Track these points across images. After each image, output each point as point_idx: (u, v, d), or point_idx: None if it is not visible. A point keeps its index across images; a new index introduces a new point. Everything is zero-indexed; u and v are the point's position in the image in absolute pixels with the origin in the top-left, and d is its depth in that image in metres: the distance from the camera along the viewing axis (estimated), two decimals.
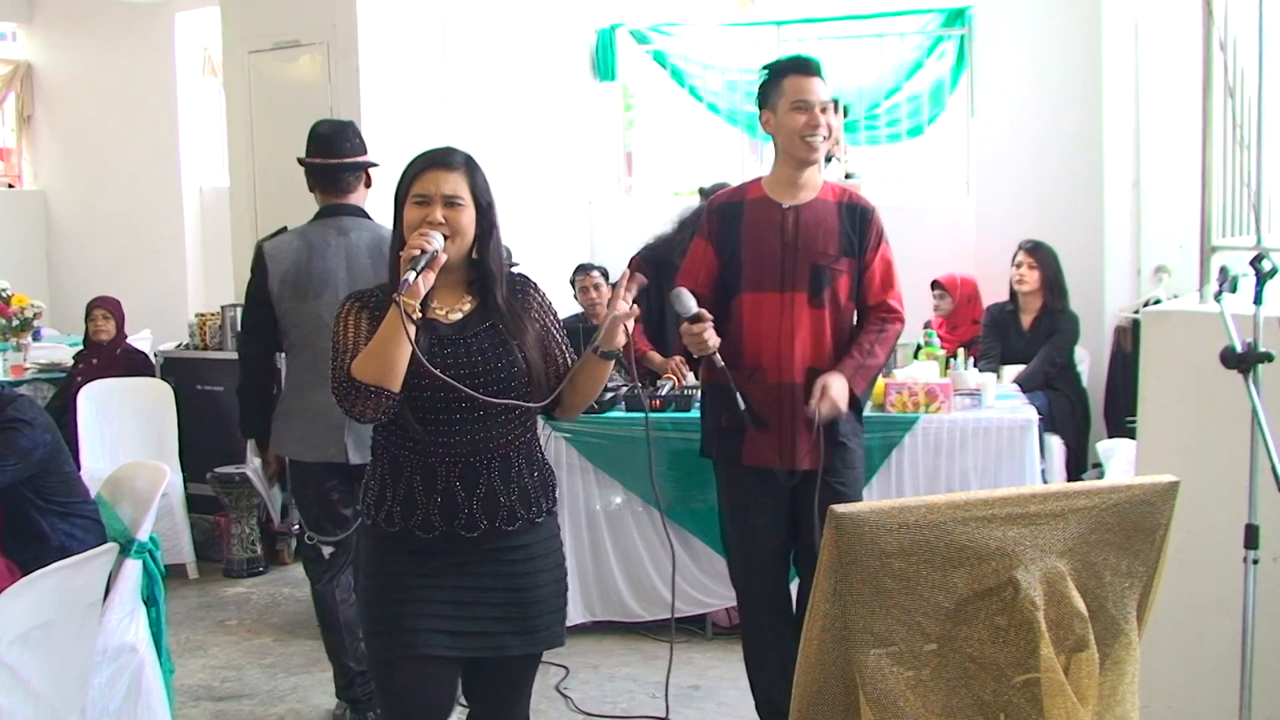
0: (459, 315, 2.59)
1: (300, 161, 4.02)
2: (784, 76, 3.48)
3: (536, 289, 2.72)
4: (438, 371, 2.41)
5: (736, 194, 3.64)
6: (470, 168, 2.58)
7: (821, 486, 3.42)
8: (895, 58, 7.33)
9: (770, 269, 3.47)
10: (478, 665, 2.65)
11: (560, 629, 2.68)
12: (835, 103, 3.59)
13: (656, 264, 5.13)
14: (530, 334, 2.62)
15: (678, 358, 4.99)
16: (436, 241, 2.45)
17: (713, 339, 3.35)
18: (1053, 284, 5.89)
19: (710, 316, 3.36)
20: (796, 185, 3.50)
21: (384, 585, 2.57)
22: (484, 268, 2.61)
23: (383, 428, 2.58)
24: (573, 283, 6.24)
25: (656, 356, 5.06)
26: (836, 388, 3.39)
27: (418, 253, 2.40)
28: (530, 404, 2.56)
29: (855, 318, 3.58)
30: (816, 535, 3.29)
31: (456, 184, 2.53)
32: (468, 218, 2.54)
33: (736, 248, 3.51)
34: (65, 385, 6.35)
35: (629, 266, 5.16)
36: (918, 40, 7.26)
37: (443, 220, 2.49)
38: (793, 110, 3.44)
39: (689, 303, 3.33)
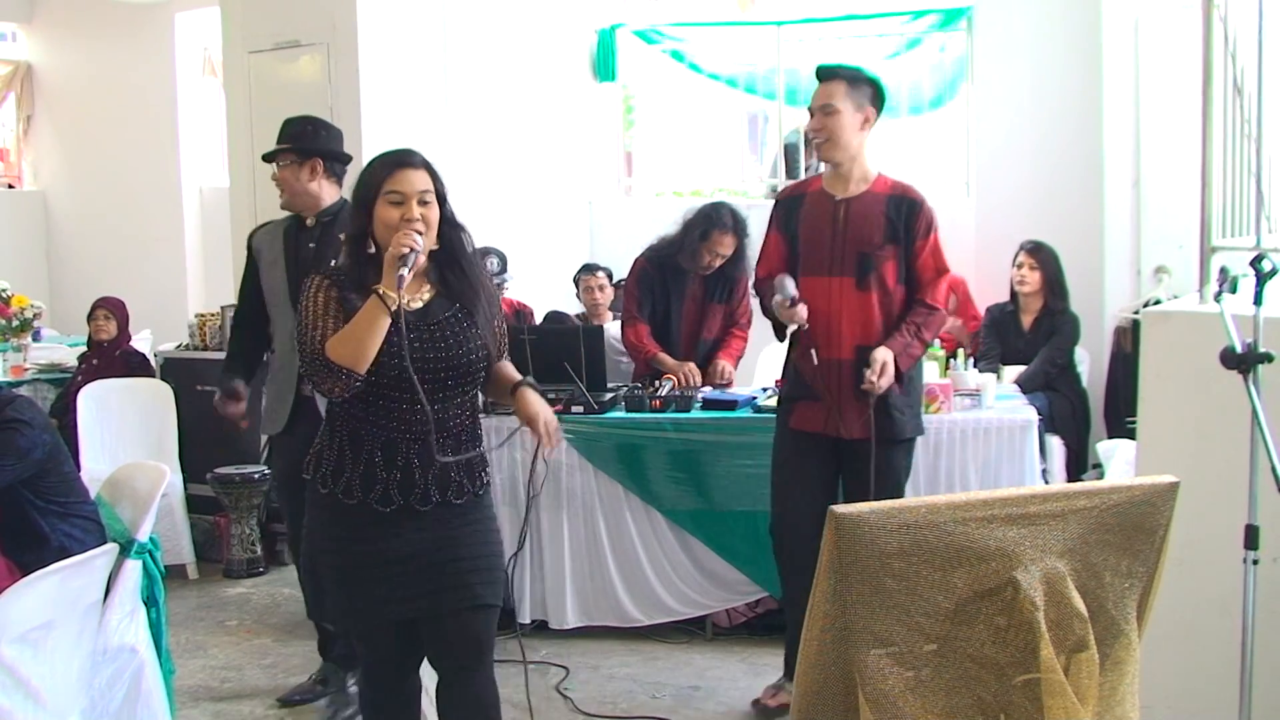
0: (419, 304, 2.75)
1: (347, 157, 4.10)
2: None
3: (490, 279, 2.95)
4: (410, 369, 2.61)
5: (799, 188, 4.01)
6: (428, 165, 2.77)
7: (872, 454, 3.67)
8: (895, 56, 7.34)
9: (822, 255, 3.78)
10: (432, 631, 2.78)
11: (502, 590, 2.89)
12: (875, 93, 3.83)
13: (661, 265, 5.13)
14: (482, 320, 2.80)
15: (690, 365, 5.02)
16: (419, 240, 2.65)
17: (803, 313, 3.71)
18: (1054, 285, 5.89)
19: (801, 301, 3.72)
20: (847, 179, 3.79)
21: (350, 559, 2.73)
22: (445, 256, 2.79)
23: (341, 403, 2.72)
24: (576, 282, 6.23)
25: (668, 359, 5.04)
26: (889, 361, 3.65)
27: (406, 251, 2.61)
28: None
29: (904, 300, 3.81)
30: (872, 498, 3.60)
31: (426, 181, 2.72)
32: (435, 214, 2.73)
33: (795, 236, 3.84)
34: (67, 386, 6.35)
35: (633, 267, 5.20)
36: (918, 39, 7.28)
37: (419, 217, 2.68)
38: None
39: (790, 288, 3.71)
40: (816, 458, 3.83)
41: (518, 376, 2.92)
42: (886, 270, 3.76)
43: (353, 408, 2.70)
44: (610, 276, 6.13)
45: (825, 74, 3.81)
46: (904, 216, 3.75)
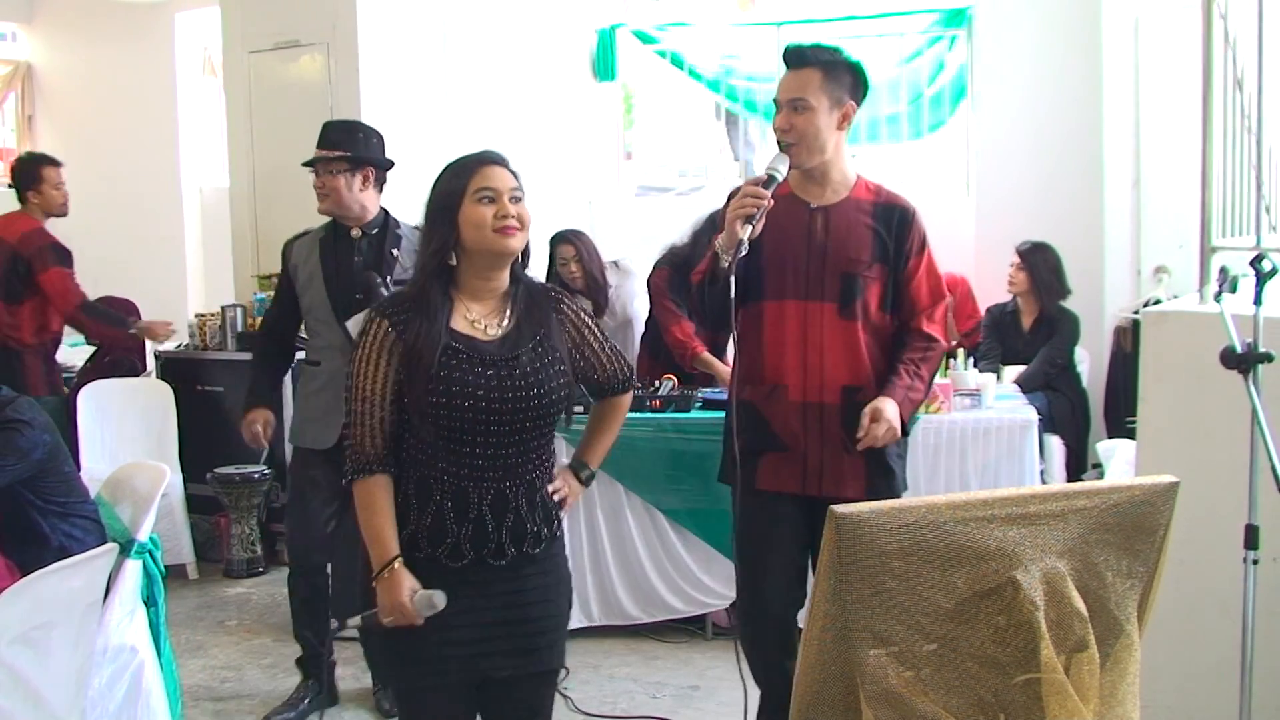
0: (498, 332, 2.48)
1: (391, 163, 4.02)
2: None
3: (569, 297, 2.65)
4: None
5: None
6: (510, 166, 2.53)
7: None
8: (895, 58, 7.33)
9: (795, 275, 3.16)
10: (495, 693, 2.56)
11: (564, 647, 2.65)
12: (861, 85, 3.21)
13: (679, 270, 5.12)
14: (565, 349, 2.55)
15: None
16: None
17: (765, 202, 2.98)
18: (1045, 286, 5.87)
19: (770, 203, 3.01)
20: (823, 183, 3.19)
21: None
22: (524, 273, 2.56)
23: (408, 445, 2.46)
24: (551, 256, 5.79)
25: (717, 363, 4.95)
26: (890, 412, 3.06)
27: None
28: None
29: (891, 331, 3.25)
30: None
31: (514, 180, 2.48)
32: (528, 215, 2.47)
33: (757, 250, 3.10)
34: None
35: (658, 275, 5.07)
36: (918, 41, 7.27)
37: (515, 214, 2.43)
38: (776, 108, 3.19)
39: (781, 169, 3.06)
40: (788, 525, 3.19)
41: (585, 460, 2.75)
42: (871, 294, 3.16)
43: (419, 452, 2.44)
44: (581, 249, 5.60)
45: (796, 59, 3.14)
46: (894, 230, 3.17)
